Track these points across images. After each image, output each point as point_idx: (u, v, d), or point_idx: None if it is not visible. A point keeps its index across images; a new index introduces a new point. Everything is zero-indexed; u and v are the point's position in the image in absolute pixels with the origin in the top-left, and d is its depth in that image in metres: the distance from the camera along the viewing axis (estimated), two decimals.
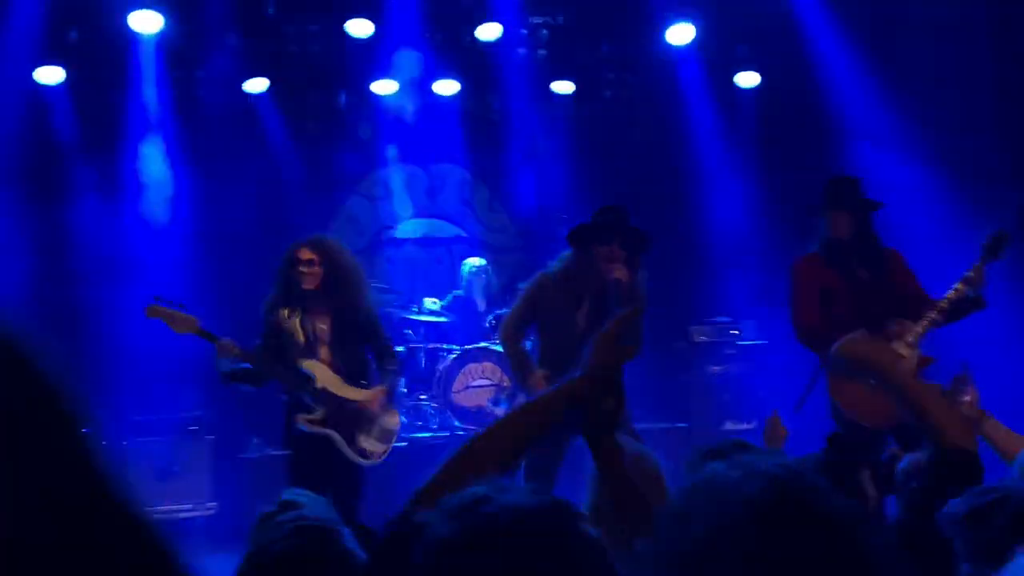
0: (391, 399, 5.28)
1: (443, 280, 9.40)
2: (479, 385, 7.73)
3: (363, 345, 5.21)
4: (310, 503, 1.99)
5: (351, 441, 5.07)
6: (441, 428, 7.77)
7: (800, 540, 1.14)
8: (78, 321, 7.33)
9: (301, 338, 5.00)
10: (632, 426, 5.05)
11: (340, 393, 5.04)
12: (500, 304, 8.27)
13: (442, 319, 8.32)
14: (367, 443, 5.12)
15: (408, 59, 8.38)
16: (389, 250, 9.40)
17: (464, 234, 9.61)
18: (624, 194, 9.18)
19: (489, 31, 8.31)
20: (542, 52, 8.79)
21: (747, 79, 8.89)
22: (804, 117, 8.64)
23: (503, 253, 9.67)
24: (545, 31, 8.67)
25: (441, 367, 7.80)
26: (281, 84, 8.55)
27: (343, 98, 8.79)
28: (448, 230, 9.61)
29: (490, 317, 8.04)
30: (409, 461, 6.49)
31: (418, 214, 9.55)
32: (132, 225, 8.12)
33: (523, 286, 5.40)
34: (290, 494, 2.06)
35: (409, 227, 9.47)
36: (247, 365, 4.93)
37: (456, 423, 7.66)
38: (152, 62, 7.98)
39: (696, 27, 8.39)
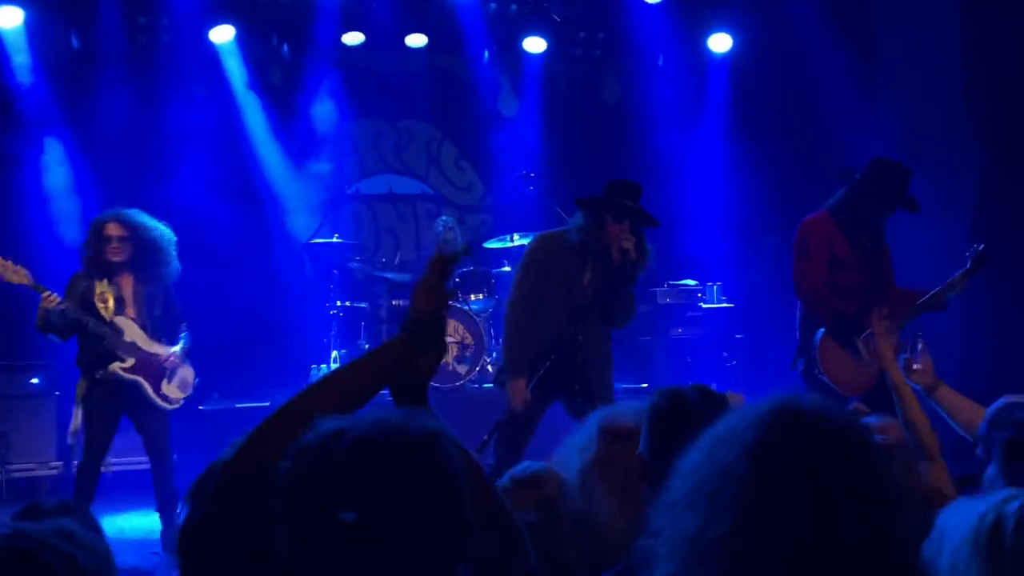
0: (187, 354, 5.93)
1: (408, 236, 9.35)
2: None
3: (163, 309, 5.84)
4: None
5: (156, 387, 5.72)
6: None
7: (798, 450, 1.22)
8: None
9: (111, 298, 5.63)
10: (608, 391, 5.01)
11: (145, 347, 5.68)
12: (464, 263, 8.25)
13: (406, 276, 8.27)
14: (169, 391, 5.80)
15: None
16: (355, 205, 9.33)
17: (430, 191, 9.55)
18: (592, 154, 9.20)
19: None
20: (513, 8, 8.69)
21: (720, 41, 8.86)
22: (775, 82, 8.64)
23: (469, 211, 9.63)
24: None
25: None
26: (247, 33, 8.40)
27: (311, 49, 8.64)
28: (414, 187, 9.54)
29: (456, 276, 8.02)
30: None
31: (384, 170, 9.46)
32: (85, 170, 7.96)
33: (518, 264, 5.23)
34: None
35: (375, 183, 9.39)
36: (66, 317, 5.46)
37: None
38: (115, 7, 7.81)
39: None
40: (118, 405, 5.65)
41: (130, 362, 5.60)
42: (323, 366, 7.87)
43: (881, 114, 7.52)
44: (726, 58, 8.93)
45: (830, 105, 7.88)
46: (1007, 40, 6.89)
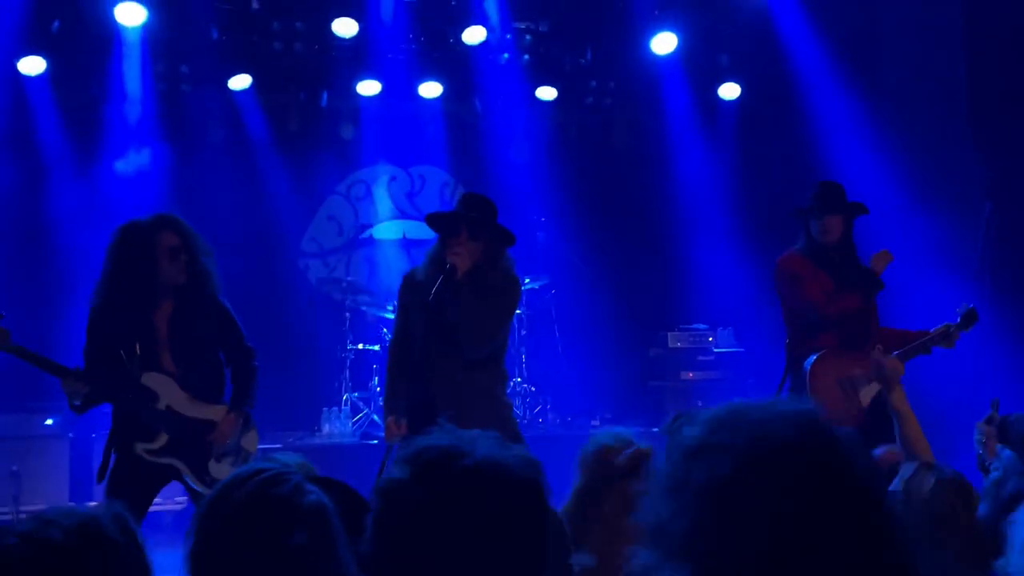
0: (250, 412, 4.32)
1: None
2: None
3: (212, 344, 4.31)
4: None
5: (200, 470, 4.15)
6: None
7: (828, 483, 1.18)
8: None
9: (137, 345, 4.07)
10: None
11: (189, 413, 4.15)
12: None
13: None
14: (220, 470, 4.14)
15: None
16: (367, 250, 9.40)
17: None
18: (603, 200, 9.29)
19: (474, 35, 8.35)
20: (526, 57, 8.84)
21: (729, 90, 8.96)
22: (784, 129, 8.72)
23: None
24: (529, 37, 8.71)
25: None
26: (265, 81, 8.55)
27: (326, 97, 8.79)
28: (427, 232, 9.57)
29: None
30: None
31: (398, 215, 9.56)
32: (107, 218, 8.06)
33: None
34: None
35: (388, 228, 9.48)
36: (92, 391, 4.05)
37: None
38: (136, 55, 7.97)
39: (679, 36, 8.46)
40: (147, 490, 4.13)
41: (161, 440, 4.10)
42: (334, 409, 7.88)
43: (887, 157, 7.58)
44: (735, 105, 9.02)
45: (837, 151, 7.95)
46: (1013, 83, 6.96)
